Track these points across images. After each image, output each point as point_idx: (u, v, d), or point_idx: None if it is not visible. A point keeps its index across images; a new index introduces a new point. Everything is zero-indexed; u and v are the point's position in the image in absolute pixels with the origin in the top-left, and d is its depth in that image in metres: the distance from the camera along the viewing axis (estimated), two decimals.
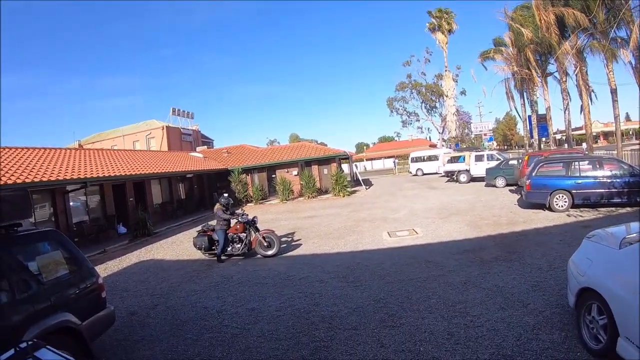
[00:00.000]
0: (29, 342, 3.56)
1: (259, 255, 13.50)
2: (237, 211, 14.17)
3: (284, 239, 15.47)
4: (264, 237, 13.50)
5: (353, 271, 10.47)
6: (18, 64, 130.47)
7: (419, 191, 29.31)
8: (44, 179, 16.71)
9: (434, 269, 9.82)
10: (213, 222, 14.15)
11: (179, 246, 17.05)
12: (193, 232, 20.50)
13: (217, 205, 13.75)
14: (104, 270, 13.57)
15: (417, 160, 49.97)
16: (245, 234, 13.72)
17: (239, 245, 13.65)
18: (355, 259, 11.70)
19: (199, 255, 14.52)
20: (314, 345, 6.45)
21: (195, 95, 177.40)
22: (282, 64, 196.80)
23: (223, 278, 11.24)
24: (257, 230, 13.72)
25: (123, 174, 22.66)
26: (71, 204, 20.10)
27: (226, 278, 11.21)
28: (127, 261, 14.97)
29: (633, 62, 25.10)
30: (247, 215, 14.05)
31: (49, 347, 3.43)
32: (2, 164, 17.19)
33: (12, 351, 3.43)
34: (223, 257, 13.53)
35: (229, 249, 13.67)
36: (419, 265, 10.27)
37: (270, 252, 13.37)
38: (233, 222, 13.94)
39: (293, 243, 15.04)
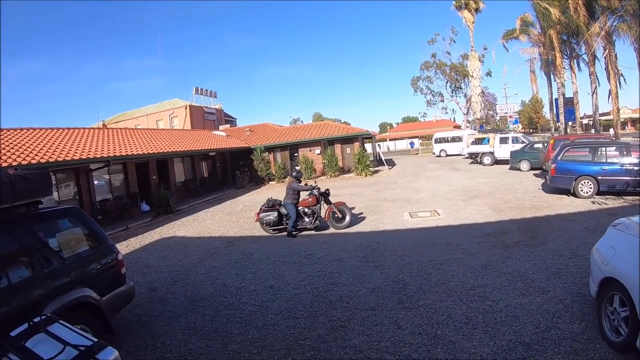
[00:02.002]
0: (42, 317, 3.62)
1: (330, 229, 13.57)
2: (309, 183, 14.15)
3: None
4: (338, 209, 13.63)
5: (373, 251, 10.44)
6: (44, 48, 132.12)
7: (442, 172, 28.97)
8: (68, 158, 16.86)
9: (454, 252, 9.73)
10: (272, 198, 14.18)
11: (201, 224, 17.16)
12: (214, 209, 20.81)
13: (289, 178, 13.85)
14: (126, 247, 13.74)
15: (440, 141, 49.33)
16: (317, 207, 13.63)
17: (309, 219, 13.54)
18: (375, 239, 11.65)
19: (220, 232, 14.68)
20: (330, 324, 6.45)
21: (219, 76, 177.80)
22: (306, 44, 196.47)
23: (243, 255, 11.28)
24: (329, 202, 13.75)
25: (146, 152, 22.73)
26: (95, 182, 20.33)
27: (246, 256, 11.24)
28: (149, 238, 15.12)
29: None
30: (320, 187, 14.02)
31: (61, 321, 3.49)
32: (27, 144, 17.45)
33: (25, 325, 3.47)
34: (294, 232, 13.35)
35: (299, 223, 13.52)
36: (439, 247, 10.20)
37: (342, 224, 13.51)
38: (304, 194, 13.90)
39: None
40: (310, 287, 8.30)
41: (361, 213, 15.70)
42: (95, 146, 20.43)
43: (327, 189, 14.12)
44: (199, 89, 60.32)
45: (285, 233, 13.38)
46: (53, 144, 18.71)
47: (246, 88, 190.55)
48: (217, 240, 13.67)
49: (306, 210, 13.57)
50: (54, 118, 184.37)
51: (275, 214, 13.52)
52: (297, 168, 14.78)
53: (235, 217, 17.90)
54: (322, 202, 13.75)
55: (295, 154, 35.25)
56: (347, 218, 13.57)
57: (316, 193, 13.61)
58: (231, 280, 9.28)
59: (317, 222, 13.51)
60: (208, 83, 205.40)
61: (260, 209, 13.94)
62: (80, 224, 6.67)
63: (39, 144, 18.00)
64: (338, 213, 13.57)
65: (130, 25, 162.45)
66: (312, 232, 13.53)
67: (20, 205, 5.85)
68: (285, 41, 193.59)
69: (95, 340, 3.26)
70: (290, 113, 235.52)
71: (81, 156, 17.65)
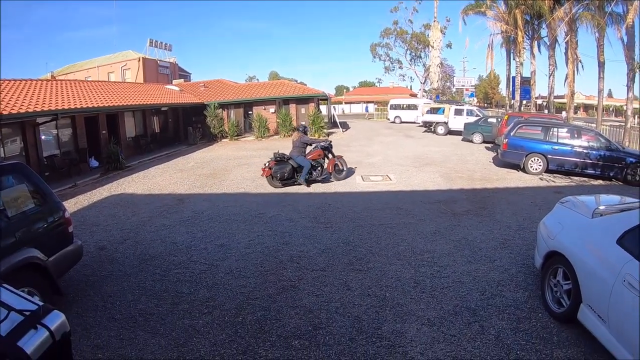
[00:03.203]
0: None
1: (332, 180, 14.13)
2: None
3: (257, 178, 15.37)
4: (339, 162, 14.67)
5: (324, 212, 10.54)
6: None
7: (396, 138, 29.29)
8: (14, 112, 16.01)
9: (404, 217, 9.94)
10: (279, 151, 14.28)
11: (151, 180, 16.82)
12: (165, 166, 20.53)
13: (297, 133, 14.16)
14: (75, 204, 13.28)
15: (396, 107, 49.45)
16: (323, 160, 14.35)
17: (316, 172, 14.04)
18: (327, 200, 11.77)
19: (170, 189, 14.49)
20: (281, 284, 6.51)
21: (175, 28, 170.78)
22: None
23: (194, 213, 11.16)
24: (333, 155, 14.58)
25: (96, 105, 21.96)
26: (42, 137, 19.42)
27: (197, 213, 11.13)
28: (98, 195, 14.71)
29: (625, 40, 24.96)
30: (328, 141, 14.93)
31: (5, 285, 3.29)
32: None
33: None
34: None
35: (308, 175, 13.89)
36: (390, 212, 10.38)
37: (342, 175, 14.66)
38: (309, 148, 14.40)
39: (264, 181, 14.84)
40: (261, 246, 8.31)
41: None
42: (43, 99, 19.51)
43: (330, 142, 14.79)
44: (154, 41, 58.07)
45: (279, 186, 13.70)
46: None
47: (202, 42, 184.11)
48: (168, 197, 13.46)
49: (313, 163, 14.02)
50: None
51: (290, 167, 13.74)
52: (303, 123, 15.70)
53: (186, 174, 17.61)
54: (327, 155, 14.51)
55: (250, 112, 34.85)
56: (345, 169, 14.77)
57: (321, 146, 14.27)
58: (181, 238, 9.18)
59: (324, 174, 14.23)
60: (163, 35, 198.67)
61: (266, 164, 13.84)
62: (26, 180, 6.35)
63: None
64: (340, 165, 14.59)
65: None
66: (262, 190, 13.51)
67: None
68: None
69: (41, 304, 3.09)
70: (246, 70, 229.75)
71: (27, 109, 16.75)
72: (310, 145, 14.30)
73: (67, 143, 21.21)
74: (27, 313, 2.84)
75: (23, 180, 6.27)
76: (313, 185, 13.94)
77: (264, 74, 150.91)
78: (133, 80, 48.83)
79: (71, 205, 12.75)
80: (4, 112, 15.35)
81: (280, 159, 13.81)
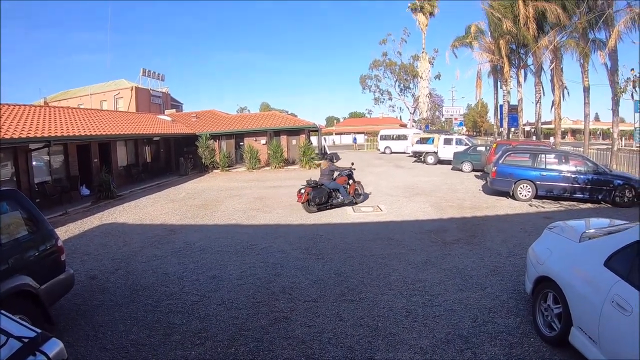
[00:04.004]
0: None
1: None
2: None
3: (249, 209, 15.54)
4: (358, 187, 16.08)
5: (316, 243, 10.54)
6: None
7: (386, 169, 29.44)
8: (6, 137, 16.02)
9: (395, 247, 9.97)
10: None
11: (142, 210, 16.83)
12: (157, 196, 20.57)
13: (326, 162, 15.61)
14: (65, 232, 13.25)
15: (386, 138, 49.94)
16: (347, 185, 15.63)
17: (342, 196, 15.20)
18: (318, 232, 11.77)
19: (162, 220, 14.49)
20: (273, 315, 6.50)
21: (168, 57, 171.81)
22: (257, 32, 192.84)
23: (185, 244, 11.16)
24: (354, 181, 16.00)
25: (88, 134, 21.95)
26: (34, 163, 19.42)
27: (188, 244, 11.12)
28: (89, 224, 14.70)
29: (609, 65, 25.44)
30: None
31: (3, 311, 3.31)
32: None
33: None
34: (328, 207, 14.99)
35: (335, 199, 15.10)
36: (381, 242, 10.41)
37: (360, 199, 15.97)
38: (335, 174, 15.69)
39: (257, 213, 14.98)
40: (252, 277, 8.30)
41: (302, 207, 15.67)
42: (36, 125, 19.57)
43: (352, 169, 16.22)
44: (147, 70, 58.70)
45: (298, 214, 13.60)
46: None
47: (195, 73, 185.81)
48: (159, 228, 13.46)
49: (340, 188, 15.26)
50: None
51: (326, 192, 14.88)
52: (330, 152, 17.22)
53: (178, 204, 17.63)
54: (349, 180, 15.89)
55: (241, 143, 35.13)
56: (362, 194, 16.24)
57: (345, 173, 15.74)
58: (173, 269, 9.16)
59: (351, 197, 15.45)
60: (156, 64, 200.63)
61: (302, 191, 14.49)
62: (19, 207, 6.37)
63: None
64: (359, 189, 15.93)
65: None
66: (255, 222, 13.46)
67: None
68: (236, 27, 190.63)
69: (39, 331, 3.13)
70: (238, 101, 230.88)
71: (20, 135, 16.80)
72: (337, 172, 15.65)
73: (58, 170, 21.22)
74: (26, 340, 2.88)
75: (17, 207, 6.30)
76: (304, 216, 13.98)
77: (255, 104, 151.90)
78: (126, 109, 49.22)
79: (62, 233, 12.68)
80: None
81: (314, 186, 14.76)
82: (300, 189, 14.69)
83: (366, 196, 17.11)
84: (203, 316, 6.63)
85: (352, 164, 17.62)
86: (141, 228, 13.65)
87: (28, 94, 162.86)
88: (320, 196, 14.58)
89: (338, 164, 19.23)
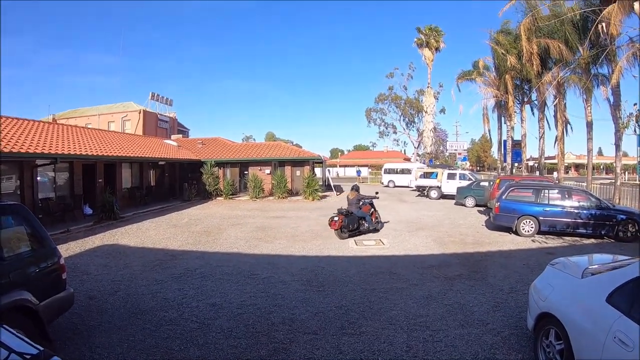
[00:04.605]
0: None
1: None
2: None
3: (251, 238, 15.51)
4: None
5: (317, 275, 10.48)
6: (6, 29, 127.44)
7: (389, 203, 29.31)
8: (14, 150, 16.24)
9: (397, 281, 9.89)
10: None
11: (144, 233, 16.83)
12: (159, 220, 20.53)
13: (354, 192, 16.64)
14: (66, 250, 13.27)
15: (390, 172, 50.22)
16: (370, 213, 16.57)
17: (367, 223, 16.26)
18: (320, 264, 11.71)
19: (164, 244, 14.50)
20: (272, 346, 6.43)
21: (176, 82, 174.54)
22: (266, 62, 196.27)
23: (186, 270, 11.12)
24: (375, 209, 17.07)
25: (95, 153, 22.23)
26: (38, 178, 19.60)
27: (189, 270, 11.09)
28: (90, 243, 14.72)
29: (612, 100, 25.59)
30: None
31: (5, 326, 3.25)
32: None
33: None
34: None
35: (361, 226, 16.14)
36: (382, 276, 10.33)
37: (379, 227, 17.20)
38: (360, 203, 16.55)
39: (259, 242, 14.94)
40: (253, 307, 8.24)
41: (306, 237, 15.74)
42: (44, 141, 19.80)
43: (375, 198, 17.47)
44: (155, 94, 59.52)
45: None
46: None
47: (202, 99, 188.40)
48: (161, 252, 13.44)
49: (367, 216, 16.33)
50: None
51: (357, 219, 15.93)
52: (356, 184, 17.79)
53: (180, 230, 17.62)
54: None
55: (246, 172, 35.37)
56: (380, 222, 17.45)
57: (367, 202, 16.78)
58: (173, 294, 9.12)
59: (374, 224, 16.63)
60: (164, 89, 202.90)
61: (335, 219, 15.31)
62: (25, 223, 6.40)
63: None
64: (378, 217, 17.14)
65: (93, 18, 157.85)
66: (256, 252, 13.38)
67: None
68: (245, 57, 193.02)
69: (42, 349, 3.00)
70: (243, 130, 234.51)
71: (28, 149, 17.02)
72: (362, 200, 16.63)
73: (63, 187, 21.38)
74: (28, 357, 2.80)
75: (22, 222, 6.33)
76: (308, 247, 13.90)
77: (261, 134, 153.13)
78: (133, 132, 49.54)
79: (63, 252, 12.50)
80: (5, 150, 15.62)
81: (346, 214, 15.60)
82: (333, 217, 15.52)
83: (382, 224, 17.83)
84: (202, 343, 6.57)
85: (377, 192, 18.98)
86: (142, 251, 13.65)
87: (37, 110, 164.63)
88: (352, 223, 15.61)
89: (341, 196, 19.94)
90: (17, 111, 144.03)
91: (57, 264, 6.65)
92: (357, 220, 15.91)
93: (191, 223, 19.80)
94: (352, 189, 17.19)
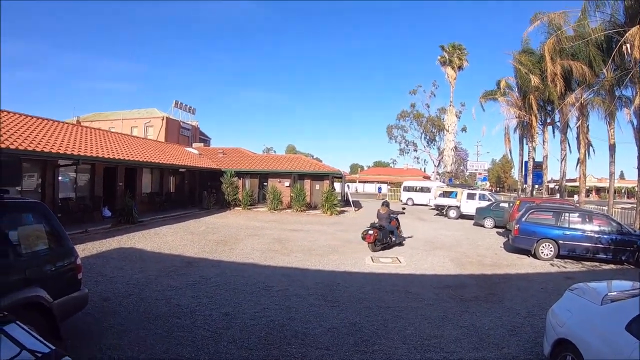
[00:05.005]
0: None
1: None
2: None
3: (267, 250, 15.49)
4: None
5: (332, 291, 10.40)
6: (20, 31, 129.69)
7: (408, 221, 28.78)
8: (37, 149, 16.63)
9: (413, 300, 9.77)
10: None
11: (162, 239, 16.93)
12: (177, 227, 20.69)
13: (384, 207, 17.49)
14: (83, 251, 13.39)
15: (409, 189, 50.08)
16: (396, 227, 17.47)
17: (395, 237, 17.01)
18: (335, 279, 11.63)
19: (180, 251, 14.60)
20: (284, 359, 6.38)
21: (199, 91, 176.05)
22: (288, 74, 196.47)
23: (201, 278, 11.14)
24: (399, 224, 17.92)
25: (117, 157, 22.64)
26: (60, 178, 19.94)
27: (204, 279, 11.10)
28: (107, 246, 14.86)
29: (635, 123, 25.29)
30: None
31: (18, 322, 3.24)
32: None
33: None
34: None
35: (389, 239, 16.76)
36: (398, 295, 10.22)
37: (404, 241, 18.03)
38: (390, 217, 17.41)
39: (275, 254, 14.89)
40: (266, 319, 8.19)
41: (323, 252, 15.65)
42: (67, 142, 20.18)
43: (402, 213, 18.89)
44: (178, 102, 60.33)
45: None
46: (24, 132, 18.42)
47: (224, 109, 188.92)
48: (177, 258, 13.50)
49: (394, 230, 17.19)
50: (25, 105, 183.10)
51: (388, 232, 16.65)
52: (387, 200, 18.99)
53: (197, 237, 17.69)
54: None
55: (265, 183, 35.39)
56: (404, 237, 18.35)
57: (396, 217, 17.72)
58: (187, 301, 9.13)
59: (401, 238, 17.72)
60: (187, 97, 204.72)
61: (370, 232, 15.88)
62: (44, 221, 6.46)
63: (8, 130, 17.72)
64: (401, 232, 18.02)
65: (119, 24, 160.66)
66: (272, 263, 13.33)
67: None
68: (267, 68, 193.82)
69: (54, 348, 3.03)
70: (264, 141, 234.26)
71: (51, 149, 17.43)
72: (392, 215, 17.44)
73: (83, 188, 21.67)
74: (39, 355, 2.81)
75: (41, 221, 6.39)
76: (324, 262, 13.81)
77: (281, 146, 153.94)
78: (155, 138, 50.22)
79: (79, 252, 12.63)
80: (29, 149, 16.06)
81: (379, 228, 16.22)
82: (367, 231, 16.05)
83: (405, 239, 18.48)
84: (213, 352, 6.55)
85: (404, 208, 20.58)
86: (158, 256, 13.73)
87: (62, 112, 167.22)
88: (385, 237, 16.33)
89: (359, 212, 20.23)
90: (42, 112, 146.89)
91: (73, 263, 6.71)
92: (388, 233, 16.58)
93: (208, 231, 19.89)
94: (382, 204, 17.96)
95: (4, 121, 19.07)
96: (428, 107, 71.57)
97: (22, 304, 5.47)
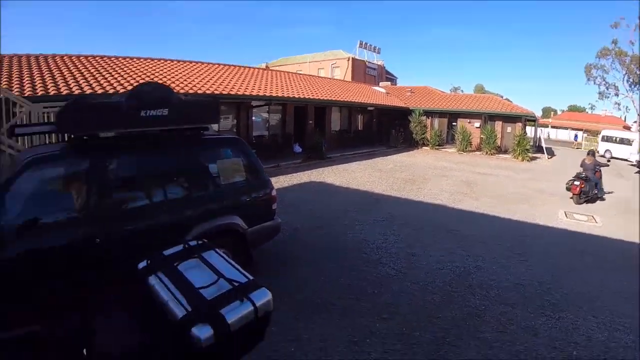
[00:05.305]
0: (199, 242, 3.63)
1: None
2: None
3: (455, 192, 15.30)
4: None
5: (521, 242, 9.95)
6: None
7: (605, 176, 26.60)
8: (232, 93, 18.42)
9: (608, 271, 8.73)
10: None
11: (350, 175, 17.47)
12: (365, 164, 21.32)
13: (590, 157, 16.32)
14: (275, 183, 13.68)
15: (607, 139, 44.16)
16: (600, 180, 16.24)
17: (598, 190, 16.10)
18: (524, 231, 11.10)
19: (368, 187, 15.04)
20: (466, 310, 6.33)
21: (383, 30, 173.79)
22: (474, 7, 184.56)
23: (388, 215, 11.34)
24: (601, 176, 16.49)
25: (306, 97, 23.72)
26: (253, 118, 21.64)
27: (392, 216, 11.29)
28: (298, 179, 15.75)
29: None
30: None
31: (217, 250, 3.45)
32: (195, 75, 19.85)
33: (180, 247, 3.48)
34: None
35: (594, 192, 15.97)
36: (592, 260, 9.32)
37: (604, 194, 16.52)
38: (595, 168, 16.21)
39: (463, 197, 14.67)
40: (451, 264, 8.15)
41: (513, 199, 15.02)
42: (259, 85, 21.82)
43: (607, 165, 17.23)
44: (363, 42, 59.67)
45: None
46: (219, 78, 20.44)
47: (409, 47, 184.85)
48: (365, 194, 13.89)
49: (599, 182, 16.08)
50: (219, 54, 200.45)
51: (593, 184, 15.78)
52: (592, 149, 17.71)
53: (385, 175, 18.01)
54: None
55: (454, 123, 34.36)
56: (605, 191, 16.69)
57: (600, 169, 16.25)
58: (373, 238, 9.39)
59: (603, 192, 16.40)
60: (371, 37, 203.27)
61: (576, 183, 15.24)
62: (242, 154, 7.00)
63: (206, 77, 19.93)
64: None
65: None
66: (459, 206, 13.21)
67: (187, 129, 6.25)
68: (456, 4, 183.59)
69: (251, 278, 3.13)
70: (450, 80, 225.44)
71: (244, 92, 19.06)
72: (597, 167, 16.14)
73: (274, 127, 23.22)
74: (236, 284, 2.94)
75: (239, 154, 6.96)
76: (513, 210, 13.30)
77: (469, 86, 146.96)
78: (341, 78, 50.93)
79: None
80: (224, 92, 17.94)
81: (585, 179, 15.45)
82: (574, 181, 15.31)
83: (605, 194, 16.65)
84: (396, 291, 6.73)
85: (609, 160, 19.42)
86: (347, 192, 14.24)
87: (252, 60, 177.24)
88: (590, 189, 15.55)
89: (552, 161, 19.03)
90: (233, 59, 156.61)
91: (268, 194, 7.21)
92: (593, 186, 15.64)
93: (396, 169, 20.13)
94: (588, 153, 16.76)
95: (204, 70, 21.47)
96: (632, 44, 62.66)
97: (219, 230, 6.08)
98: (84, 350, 2.82)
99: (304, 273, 7.24)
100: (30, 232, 4.70)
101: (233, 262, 3.31)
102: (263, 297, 2.95)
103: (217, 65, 24.31)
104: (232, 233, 6.36)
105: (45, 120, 10.25)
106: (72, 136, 5.47)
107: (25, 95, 11.99)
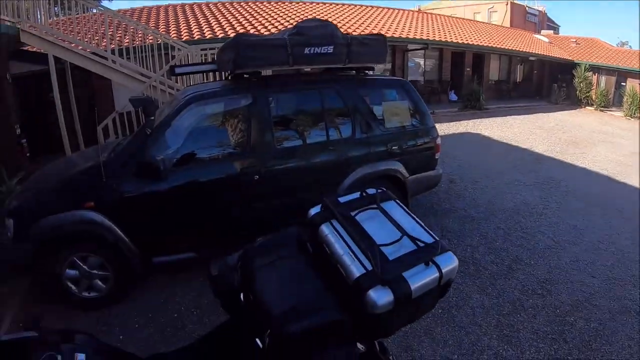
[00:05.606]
0: (379, 190, 2.97)
1: None
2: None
3: (624, 164, 13.54)
4: None
5: None
6: None
7: None
8: (387, 35, 17.11)
9: None
10: None
11: (509, 129, 16.28)
12: (524, 118, 19.85)
13: None
14: None
15: None
16: None
17: None
18: None
19: (528, 145, 13.87)
20: (624, 303, 5.41)
21: None
22: None
23: (549, 179, 10.34)
24: None
25: (464, 42, 22.39)
26: (408, 63, 20.81)
27: (554, 180, 10.26)
28: (454, 129, 14.99)
29: None
30: None
31: (398, 201, 2.86)
32: (348, 17, 19.83)
33: (356, 194, 2.88)
34: None
35: None
36: None
37: None
38: None
39: (632, 171, 12.78)
40: (615, 246, 7.06)
41: None
42: (415, 28, 20.98)
43: None
44: None
45: None
46: (373, 20, 20.14)
47: None
48: (525, 152, 12.86)
49: None
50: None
51: None
52: None
53: (545, 133, 16.52)
54: None
55: (623, 83, 30.11)
56: None
57: None
58: (534, 201, 8.62)
59: None
60: None
61: None
62: (408, 98, 6.54)
63: (360, 19, 19.86)
64: None
65: None
66: (627, 181, 11.63)
67: (352, 68, 6.00)
68: None
69: (438, 239, 2.56)
70: (617, 34, 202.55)
71: (400, 35, 18.45)
72: None
73: (430, 73, 22.62)
74: (421, 244, 2.49)
75: (405, 97, 6.54)
76: None
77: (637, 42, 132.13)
78: (499, 24, 47.10)
79: None
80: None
81: None
82: None
83: None
84: (553, 266, 6.07)
85: None
86: (506, 147, 13.37)
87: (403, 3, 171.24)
88: None
89: None
90: (386, 2, 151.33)
91: (433, 142, 6.72)
92: None
93: (557, 128, 18.35)
94: None
95: (358, 12, 21.44)
96: None
97: (379, 175, 5.85)
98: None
99: (456, 227, 6.88)
100: (190, 167, 4.88)
101: (416, 218, 2.77)
102: (449, 262, 2.47)
103: (370, 7, 23.78)
104: (392, 179, 6.12)
105: (202, 61, 10.51)
106: (232, 74, 5.49)
107: (183, 39, 12.74)
